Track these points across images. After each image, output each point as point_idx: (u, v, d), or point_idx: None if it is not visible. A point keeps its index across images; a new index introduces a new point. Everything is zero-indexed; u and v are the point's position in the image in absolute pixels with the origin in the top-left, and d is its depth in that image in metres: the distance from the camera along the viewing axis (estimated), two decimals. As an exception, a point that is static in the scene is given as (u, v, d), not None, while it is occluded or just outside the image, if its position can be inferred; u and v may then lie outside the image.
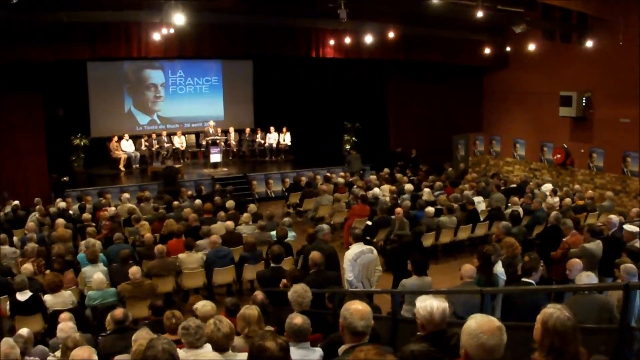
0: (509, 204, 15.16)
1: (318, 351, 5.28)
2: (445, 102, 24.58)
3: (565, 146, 20.99)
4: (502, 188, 17.39)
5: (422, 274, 8.55)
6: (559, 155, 21.24)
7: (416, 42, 21.78)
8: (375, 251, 9.84)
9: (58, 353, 6.54)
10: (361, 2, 17.58)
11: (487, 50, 22.10)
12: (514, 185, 18.65)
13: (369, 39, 19.30)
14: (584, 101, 19.84)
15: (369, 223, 14.53)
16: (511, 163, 23.84)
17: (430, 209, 14.20)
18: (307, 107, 25.46)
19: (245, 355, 4.85)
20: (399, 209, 13.91)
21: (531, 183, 18.00)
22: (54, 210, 15.63)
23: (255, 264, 11.58)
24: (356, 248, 9.65)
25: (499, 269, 8.95)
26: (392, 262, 11.87)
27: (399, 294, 8.42)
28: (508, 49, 22.55)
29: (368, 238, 13.83)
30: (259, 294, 7.62)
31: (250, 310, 5.94)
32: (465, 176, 20.14)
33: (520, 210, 14.13)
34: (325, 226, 11.56)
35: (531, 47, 20.51)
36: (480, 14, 16.15)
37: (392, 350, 4.71)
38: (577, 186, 18.41)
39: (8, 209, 16.07)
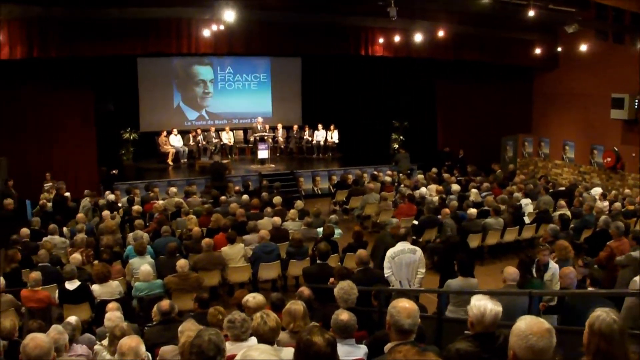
0: (557, 207, 14.95)
1: (363, 348, 5.26)
2: (494, 103, 24.34)
3: (616, 149, 20.61)
4: (551, 191, 17.10)
5: (468, 275, 8.48)
6: (609, 159, 20.87)
7: (466, 42, 21.61)
8: (418, 252, 9.76)
9: (105, 342, 6.60)
10: (411, 0, 17.50)
11: (537, 51, 21.85)
12: (563, 188, 18.36)
13: (418, 37, 19.15)
14: (636, 103, 19.47)
15: (416, 222, 14.47)
16: (560, 166, 23.48)
17: (472, 211, 14.03)
18: (355, 105, 25.35)
19: (290, 350, 4.86)
20: (446, 210, 13.79)
21: (580, 186, 17.68)
22: (103, 203, 15.85)
23: (301, 260, 11.58)
24: (399, 246, 9.67)
25: (553, 265, 8.82)
26: (440, 262, 11.80)
27: (446, 294, 8.38)
28: (559, 49, 22.24)
29: (414, 237, 13.82)
30: (305, 290, 7.60)
31: (296, 305, 5.94)
32: (514, 178, 19.86)
33: (569, 213, 13.91)
34: (394, 220, 11.61)
35: (583, 47, 20.17)
36: (531, 13, 15.95)
37: (437, 349, 4.68)
38: (627, 190, 17.93)
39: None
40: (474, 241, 13.51)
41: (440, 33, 19.51)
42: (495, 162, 22.86)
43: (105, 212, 13.93)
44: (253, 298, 6.63)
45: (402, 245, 9.69)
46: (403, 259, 9.56)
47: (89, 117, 20.29)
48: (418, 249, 9.88)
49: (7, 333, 6.65)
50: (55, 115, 19.62)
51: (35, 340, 4.57)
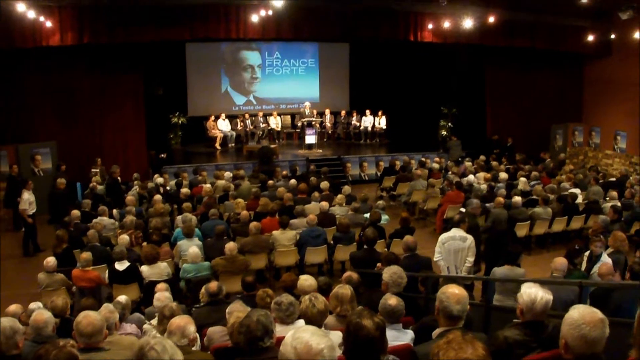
0: (607, 198, 14.68)
1: (410, 333, 5.25)
2: (544, 90, 23.96)
3: (670, 140, 20.15)
4: (601, 181, 16.75)
5: (514, 264, 8.42)
6: (662, 150, 20.42)
7: (517, 28, 21.22)
8: (469, 240, 9.76)
9: (154, 321, 6.69)
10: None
11: (590, 38, 21.42)
12: (613, 179, 17.95)
13: (468, 23, 18.96)
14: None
15: (463, 210, 14.35)
16: (611, 156, 22.98)
17: (517, 199, 13.76)
18: (403, 91, 25.13)
19: (337, 333, 4.86)
20: (500, 199, 13.48)
21: (632, 177, 17.30)
22: (151, 186, 16.03)
23: (348, 245, 11.58)
24: (451, 232, 9.77)
25: (605, 257, 8.68)
26: (486, 250, 11.71)
27: (493, 282, 8.33)
28: (612, 36, 21.74)
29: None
30: (353, 275, 7.62)
31: (343, 289, 5.94)
32: (563, 167, 19.52)
33: (619, 204, 13.64)
34: (474, 200, 11.80)
35: (637, 35, 19.69)
36: (585, -1, 15.69)
37: (485, 336, 4.65)
38: (679, 182, 17.60)
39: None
40: (521, 230, 13.33)
41: (491, 19, 19.27)
42: (544, 151, 22.52)
43: (158, 197, 14.06)
44: (304, 280, 6.73)
45: (454, 232, 9.80)
46: (452, 245, 9.66)
47: (138, 101, 20.52)
48: (469, 237, 9.86)
49: (59, 311, 6.78)
50: (105, 100, 19.91)
51: (88, 317, 4.67)
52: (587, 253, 9.15)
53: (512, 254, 8.49)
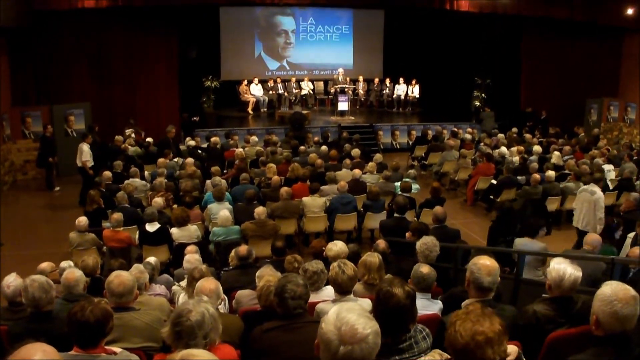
0: (642, 176, 14.50)
1: (438, 303, 5.28)
2: (580, 63, 23.53)
3: None
4: (635, 158, 16.46)
5: (534, 237, 8.36)
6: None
7: (556, -2, 20.93)
8: (597, 196, 10.75)
9: (183, 283, 6.75)
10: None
11: (629, 11, 20.96)
12: (648, 156, 17.68)
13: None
14: None
15: (494, 182, 14.27)
16: (646, 133, 22.60)
17: (551, 173, 13.56)
18: (437, 60, 24.76)
19: (367, 301, 4.88)
20: (536, 176, 13.25)
21: (668, 155, 16.99)
22: (183, 149, 16.09)
23: (378, 213, 11.55)
24: (588, 185, 11.23)
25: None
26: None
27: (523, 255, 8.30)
28: (654, 10, 21.29)
29: (492, 197, 13.69)
30: (381, 243, 7.62)
31: (372, 257, 5.98)
32: (597, 143, 19.20)
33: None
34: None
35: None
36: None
37: (514, 309, 4.67)
38: None
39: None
40: (552, 204, 13.20)
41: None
42: (578, 125, 22.20)
43: (189, 160, 14.10)
44: (334, 246, 6.76)
45: (590, 186, 11.10)
46: (584, 196, 10.99)
47: (172, 65, 20.59)
48: (599, 193, 10.89)
49: (89, 270, 6.86)
50: (139, 62, 20.08)
51: (120, 277, 4.74)
52: (631, 235, 9.01)
53: (533, 227, 8.44)
